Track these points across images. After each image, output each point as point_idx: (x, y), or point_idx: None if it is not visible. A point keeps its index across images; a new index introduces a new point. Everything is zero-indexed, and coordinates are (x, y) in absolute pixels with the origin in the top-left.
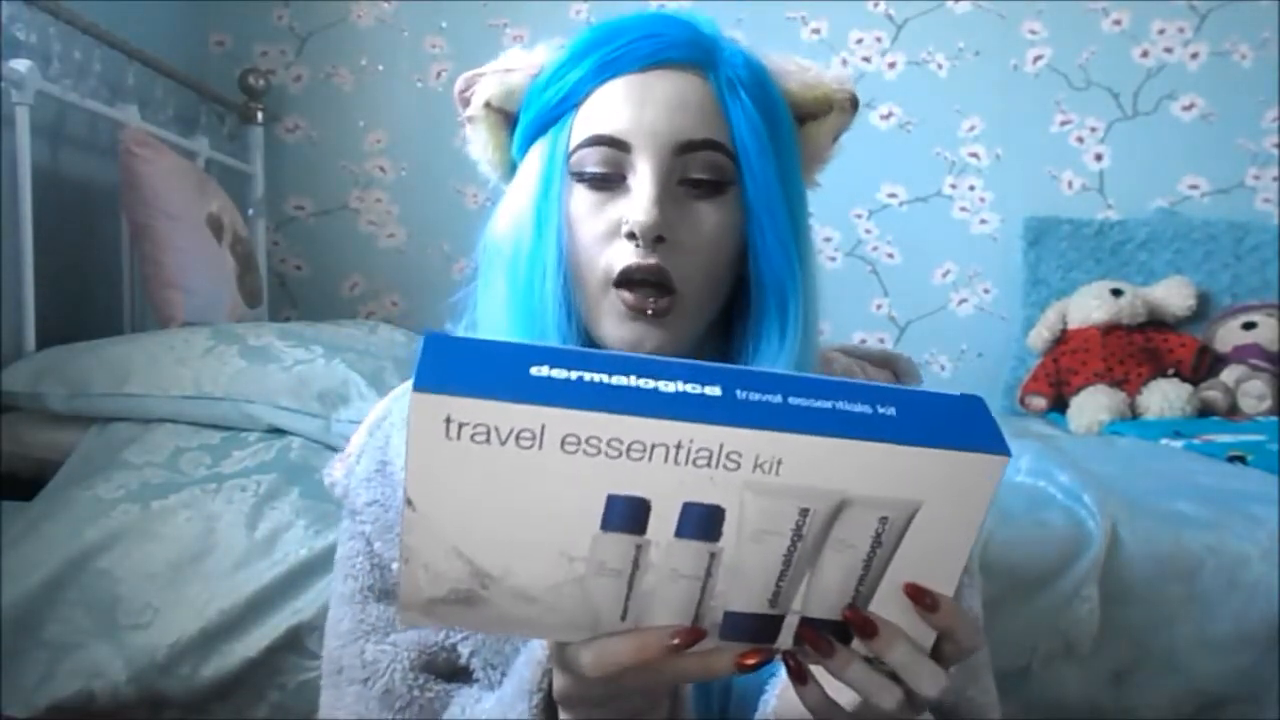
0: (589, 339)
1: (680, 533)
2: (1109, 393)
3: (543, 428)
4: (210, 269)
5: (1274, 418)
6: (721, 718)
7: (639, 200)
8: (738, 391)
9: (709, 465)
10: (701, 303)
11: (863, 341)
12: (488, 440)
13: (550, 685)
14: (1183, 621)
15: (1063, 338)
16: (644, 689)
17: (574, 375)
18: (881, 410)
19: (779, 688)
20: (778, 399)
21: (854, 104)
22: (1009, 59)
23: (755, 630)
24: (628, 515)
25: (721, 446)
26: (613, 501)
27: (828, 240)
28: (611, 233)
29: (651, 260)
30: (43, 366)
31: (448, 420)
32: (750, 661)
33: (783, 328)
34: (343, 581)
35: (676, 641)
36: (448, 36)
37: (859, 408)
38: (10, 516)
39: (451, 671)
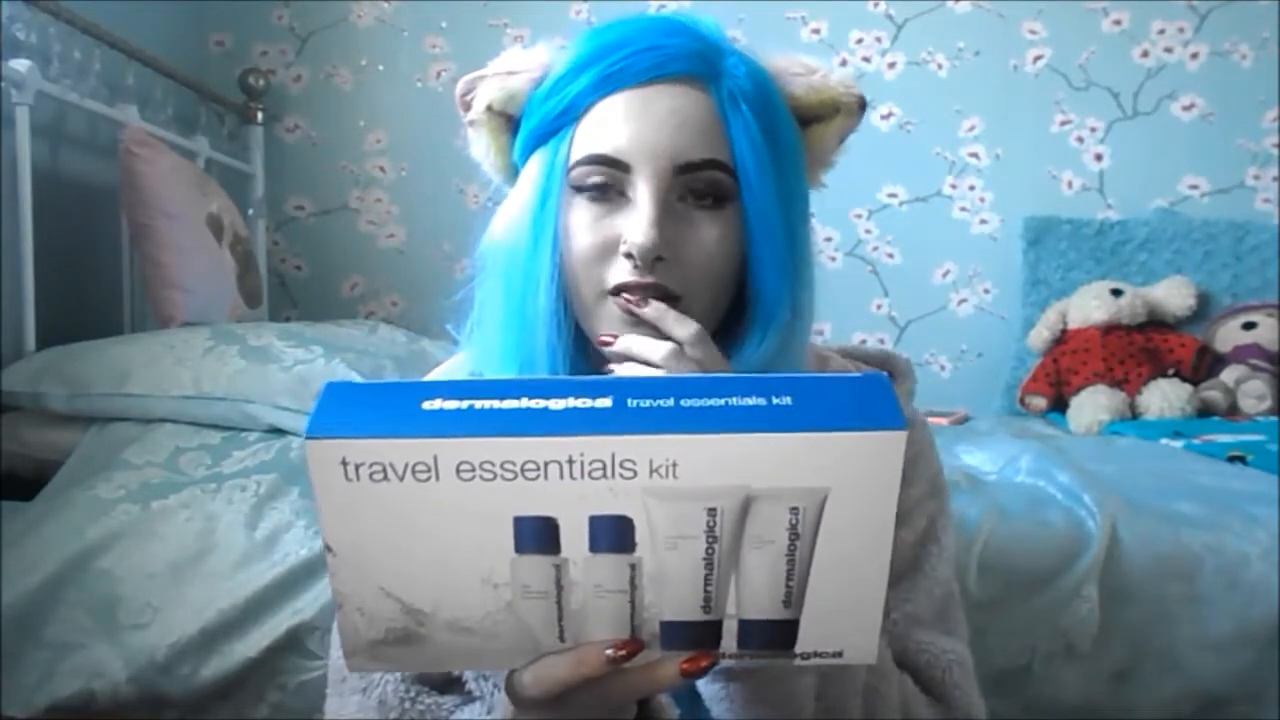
0: (578, 350)
1: (595, 547)
2: (1109, 393)
3: (435, 459)
4: (210, 269)
5: (1274, 418)
6: None
7: (638, 221)
8: (629, 400)
9: (605, 476)
10: (703, 310)
11: (863, 342)
12: (386, 478)
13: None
14: (1183, 621)
15: (1063, 338)
16: (600, 708)
17: (464, 405)
18: (776, 401)
19: None
20: (669, 403)
21: (861, 106)
22: (1009, 59)
23: (695, 638)
24: (538, 535)
25: (614, 456)
26: (520, 523)
27: (828, 240)
28: (610, 248)
29: (649, 279)
30: (43, 366)
31: (344, 463)
32: (697, 666)
33: (764, 332)
34: None
35: (614, 654)
36: (448, 36)
37: (752, 400)
38: (10, 516)
39: (446, 682)
